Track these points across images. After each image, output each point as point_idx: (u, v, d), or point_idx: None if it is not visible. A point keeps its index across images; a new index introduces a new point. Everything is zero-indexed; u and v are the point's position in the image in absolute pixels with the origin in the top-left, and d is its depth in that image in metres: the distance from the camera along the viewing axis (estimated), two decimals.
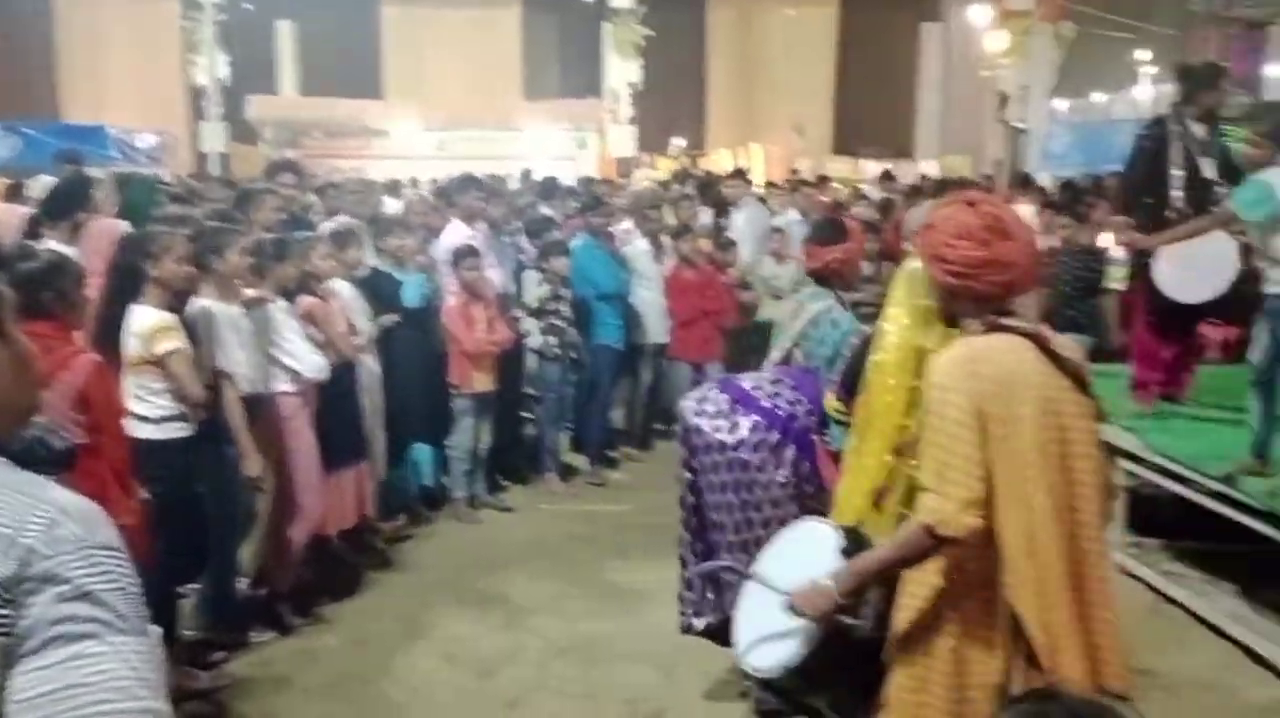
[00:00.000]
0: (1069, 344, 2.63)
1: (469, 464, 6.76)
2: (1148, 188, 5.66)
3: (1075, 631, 2.48)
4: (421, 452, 6.79)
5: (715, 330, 7.94)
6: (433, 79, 23.08)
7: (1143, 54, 27.99)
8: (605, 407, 7.74)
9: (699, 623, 4.22)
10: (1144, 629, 5.14)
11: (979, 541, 2.44)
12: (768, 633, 2.76)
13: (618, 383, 7.84)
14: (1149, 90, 25.76)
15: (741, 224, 9.48)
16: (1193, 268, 5.19)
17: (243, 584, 5.11)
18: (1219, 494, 4.96)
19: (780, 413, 3.90)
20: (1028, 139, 18.69)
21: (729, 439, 3.92)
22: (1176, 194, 5.62)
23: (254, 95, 21.81)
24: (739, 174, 11.14)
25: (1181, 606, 5.33)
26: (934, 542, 2.44)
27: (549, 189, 10.10)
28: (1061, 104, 23.00)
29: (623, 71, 21.93)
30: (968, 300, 2.57)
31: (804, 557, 2.84)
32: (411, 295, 6.34)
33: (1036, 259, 2.62)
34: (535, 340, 7.13)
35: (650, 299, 7.82)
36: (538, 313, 7.12)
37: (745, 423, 3.90)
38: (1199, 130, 5.74)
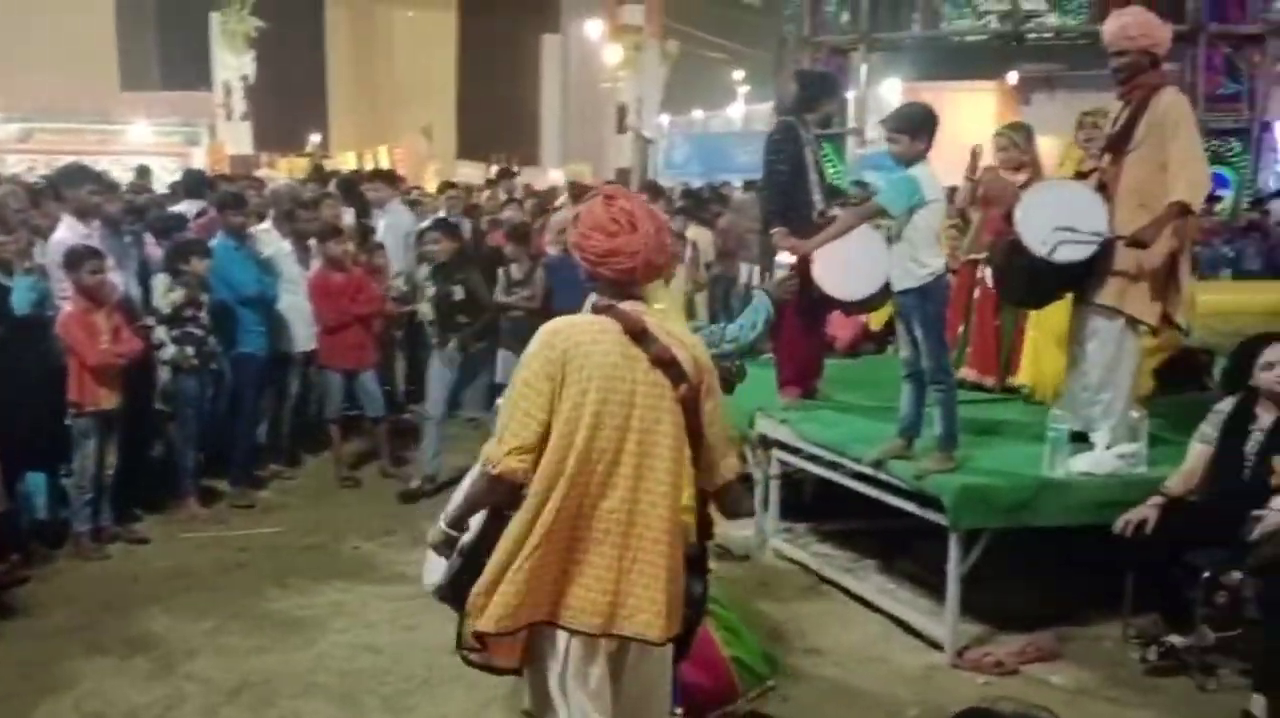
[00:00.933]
0: (673, 333, 2.86)
1: (92, 492, 6.05)
2: (794, 193, 5.95)
3: (556, 579, 2.75)
4: (35, 481, 6.08)
5: (367, 336, 7.57)
6: (11, 63, 20.54)
7: (738, 74, 30.33)
8: (250, 421, 7.17)
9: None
10: (807, 610, 5.46)
11: (525, 482, 2.75)
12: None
13: (263, 395, 7.28)
14: (742, 108, 27.93)
15: (384, 227, 9.13)
16: (851, 265, 5.50)
17: None
18: (863, 476, 5.32)
19: None
20: (655, 148, 19.60)
21: None
22: (818, 197, 5.98)
23: None
24: (382, 175, 10.72)
25: (836, 584, 5.69)
26: (488, 480, 2.77)
27: (195, 185, 9.25)
28: (666, 119, 24.39)
29: (234, 65, 20.68)
30: (604, 284, 2.87)
31: None
32: (20, 302, 5.57)
33: (660, 250, 2.88)
34: (169, 351, 6.47)
35: (295, 304, 7.34)
36: (171, 320, 6.47)
37: None
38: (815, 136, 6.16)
